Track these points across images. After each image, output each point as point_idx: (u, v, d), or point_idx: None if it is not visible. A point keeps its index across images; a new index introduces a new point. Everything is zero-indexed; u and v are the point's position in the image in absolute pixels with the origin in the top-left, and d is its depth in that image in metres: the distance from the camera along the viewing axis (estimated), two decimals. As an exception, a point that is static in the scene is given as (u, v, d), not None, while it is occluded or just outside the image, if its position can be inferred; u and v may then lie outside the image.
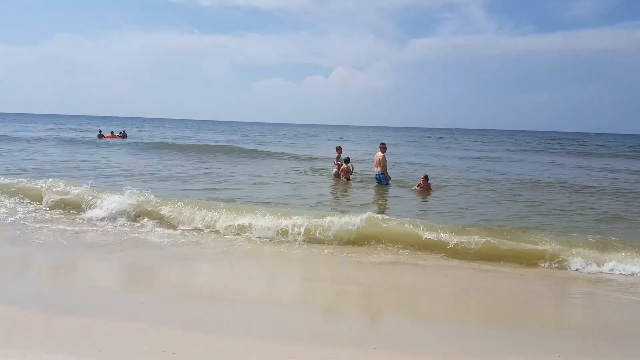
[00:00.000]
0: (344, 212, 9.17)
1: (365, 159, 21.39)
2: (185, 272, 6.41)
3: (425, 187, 13.52)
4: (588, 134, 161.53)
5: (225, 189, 13.32)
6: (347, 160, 15.22)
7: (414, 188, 13.67)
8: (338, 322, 4.82)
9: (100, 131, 41.69)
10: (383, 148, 14.28)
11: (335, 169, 15.77)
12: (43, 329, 4.18)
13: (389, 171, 14.56)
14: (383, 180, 14.20)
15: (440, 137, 72.20)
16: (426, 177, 13.77)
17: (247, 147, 31.21)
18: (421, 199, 12.75)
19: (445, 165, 22.64)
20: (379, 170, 14.25)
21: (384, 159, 14.21)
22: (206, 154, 25.63)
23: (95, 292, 5.47)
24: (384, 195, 13.25)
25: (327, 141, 47.68)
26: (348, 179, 15.00)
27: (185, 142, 35.74)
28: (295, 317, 4.87)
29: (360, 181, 15.20)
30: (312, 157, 24.51)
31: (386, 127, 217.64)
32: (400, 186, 14.39)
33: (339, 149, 15.95)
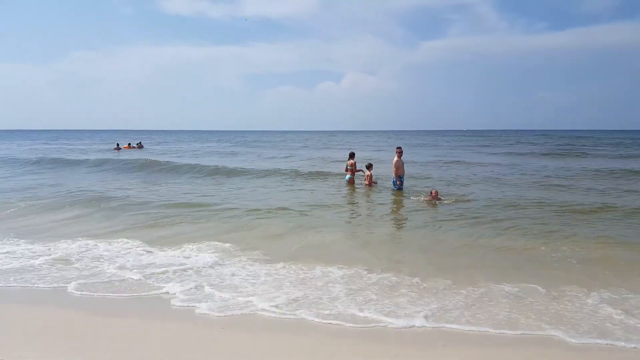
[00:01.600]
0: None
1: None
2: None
3: (434, 198, 12.53)
4: (612, 131, 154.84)
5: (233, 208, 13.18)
6: (369, 166, 15.20)
7: (423, 200, 12.77)
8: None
9: (117, 144, 43.21)
10: (399, 152, 14.32)
11: (348, 176, 15.67)
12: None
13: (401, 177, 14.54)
14: (395, 184, 14.34)
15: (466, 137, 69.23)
16: (437, 193, 12.77)
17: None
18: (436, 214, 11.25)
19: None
20: (396, 174, 14.33)
21: (399, 162, 14.26)
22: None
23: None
24: (402, 207, 12.54)
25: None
26: (370, 185, 14.97)
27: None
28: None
29: (378, 186, 15.14)
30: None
31: (400, 130, 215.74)
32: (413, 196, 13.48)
33: (352, 155, 15.94)
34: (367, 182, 15.05)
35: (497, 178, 18.23)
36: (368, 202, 13.47)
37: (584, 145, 44.80)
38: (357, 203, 13.69)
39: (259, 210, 11.50)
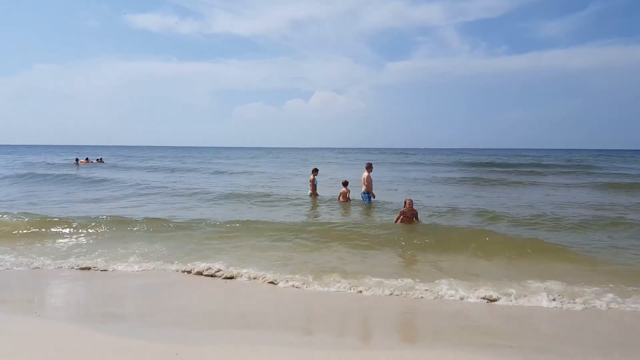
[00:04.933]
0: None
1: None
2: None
3: (411, 217, 10.78)
4: (558, 150, 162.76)
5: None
6: (345, 183, 15.08)
7: (397, 220, 10.82)
8: None
9: (77, 159, 43.12)
10: (369, 168, 14.30)
11: (310, 191, 15.94)
12: None
13: (373, 191, 14.42)
14: (366, 199, 14.22)
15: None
16: (411, 202, 10.97)
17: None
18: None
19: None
20: (364, 189, 14.25)
21: (369, 178, 14.19)
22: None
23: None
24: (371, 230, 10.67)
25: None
26: (346, 201, 14.65)
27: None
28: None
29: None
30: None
31: (367, 148, 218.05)
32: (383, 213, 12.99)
33: (315, 171, 16.11)
34: (342, 199, 14.76)
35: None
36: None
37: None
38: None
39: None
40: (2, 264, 8.04)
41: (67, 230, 10.48)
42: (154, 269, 7.80)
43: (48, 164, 42.22)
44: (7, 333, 5.02)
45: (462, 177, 27.10)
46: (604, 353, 4.66)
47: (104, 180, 24.14)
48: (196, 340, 4.83)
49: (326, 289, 6.67)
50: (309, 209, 14.29)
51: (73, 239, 9.87)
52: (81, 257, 8.44)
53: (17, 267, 7.92)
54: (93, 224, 10.89)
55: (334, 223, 11.10)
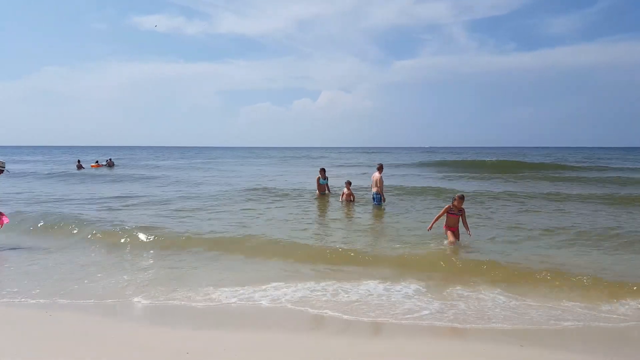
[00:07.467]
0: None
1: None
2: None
3: (458, 215, 8.96)
4: (574, 148, 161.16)
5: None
6: (349, 184, 15.12)
7: (438, 217, 9.12)
8: None
9: (78, 161, 36.15)
10: (380, 169, 14.02)
11: (316, 191, 16.20)
12: None
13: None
14: (377, 200, 13.88)
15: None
16: (462, 199, 8.95)
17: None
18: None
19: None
20: (375, 190, 13.94)
21: (380, 180, 13.87)
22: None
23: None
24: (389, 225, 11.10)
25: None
26: (349, 201, 14.71)
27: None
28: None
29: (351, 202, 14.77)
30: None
31: (375, 147, 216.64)
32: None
33: (322, 171, 16.16)
34: (345, 199, 14.81)
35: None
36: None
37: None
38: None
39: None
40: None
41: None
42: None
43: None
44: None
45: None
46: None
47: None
48: (206, 339, 4.80)
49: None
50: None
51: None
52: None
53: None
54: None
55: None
